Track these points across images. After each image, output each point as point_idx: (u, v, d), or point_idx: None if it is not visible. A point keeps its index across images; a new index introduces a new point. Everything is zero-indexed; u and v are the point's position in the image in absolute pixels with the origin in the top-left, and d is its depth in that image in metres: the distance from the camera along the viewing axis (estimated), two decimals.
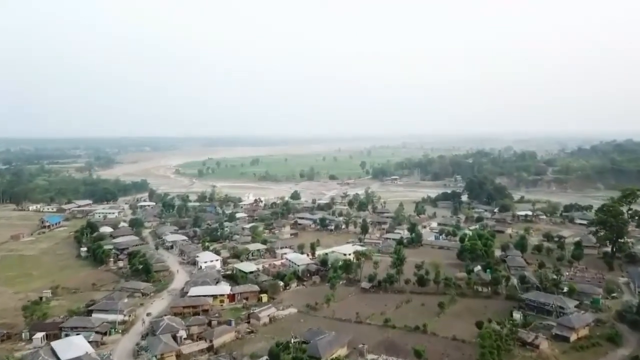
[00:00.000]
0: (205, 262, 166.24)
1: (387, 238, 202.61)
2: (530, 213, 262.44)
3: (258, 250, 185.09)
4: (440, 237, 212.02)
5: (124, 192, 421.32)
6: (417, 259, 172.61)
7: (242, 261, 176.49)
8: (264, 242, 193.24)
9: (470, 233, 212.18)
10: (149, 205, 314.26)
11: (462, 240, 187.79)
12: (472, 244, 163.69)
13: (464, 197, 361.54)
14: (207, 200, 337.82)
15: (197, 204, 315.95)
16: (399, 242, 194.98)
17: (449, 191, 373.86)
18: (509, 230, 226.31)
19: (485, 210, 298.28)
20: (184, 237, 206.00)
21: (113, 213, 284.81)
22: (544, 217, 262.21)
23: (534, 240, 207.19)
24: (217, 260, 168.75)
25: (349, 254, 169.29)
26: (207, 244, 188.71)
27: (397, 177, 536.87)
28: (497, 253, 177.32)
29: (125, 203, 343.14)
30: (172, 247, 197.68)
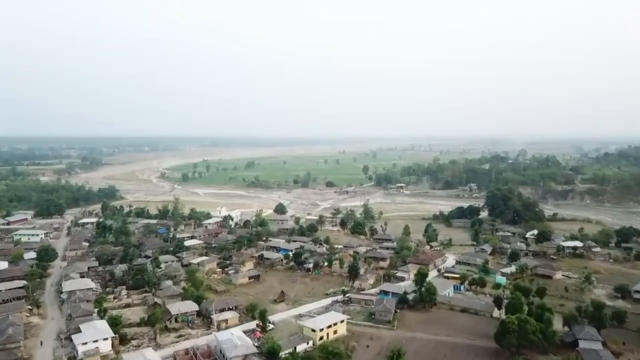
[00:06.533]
0: (85, 343, 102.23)
1: (384, 291, 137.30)
2: (579, 244, 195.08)
3: (184, 314, 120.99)
4: (462, 287, 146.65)
5: (86, 201, 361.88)
6: (428, 335, 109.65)
7: (155, 333, 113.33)
8: (198, 298, 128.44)
9: (505, 281, 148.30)
10: (91, 223, 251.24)
11: (497, 302, 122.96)
12: (520, 323, 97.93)
13: (484, 213, 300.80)
14: (169, 215, 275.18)
15: (152, 221, 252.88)
16: (402, 299, 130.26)
17: (464, 205, 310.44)
18: (557, 275, 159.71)
19: (514, 234, 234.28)
20: (90, 286, 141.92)
21: (38, 235, 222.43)
22: (598, 248, 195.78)
23: (599, 293, 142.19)
24: (105, 339, 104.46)
25: (319, 332, 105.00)
26: (103, 306, 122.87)
27: (403, 184, 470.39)
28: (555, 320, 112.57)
29: (75, 217, 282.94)
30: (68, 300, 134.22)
